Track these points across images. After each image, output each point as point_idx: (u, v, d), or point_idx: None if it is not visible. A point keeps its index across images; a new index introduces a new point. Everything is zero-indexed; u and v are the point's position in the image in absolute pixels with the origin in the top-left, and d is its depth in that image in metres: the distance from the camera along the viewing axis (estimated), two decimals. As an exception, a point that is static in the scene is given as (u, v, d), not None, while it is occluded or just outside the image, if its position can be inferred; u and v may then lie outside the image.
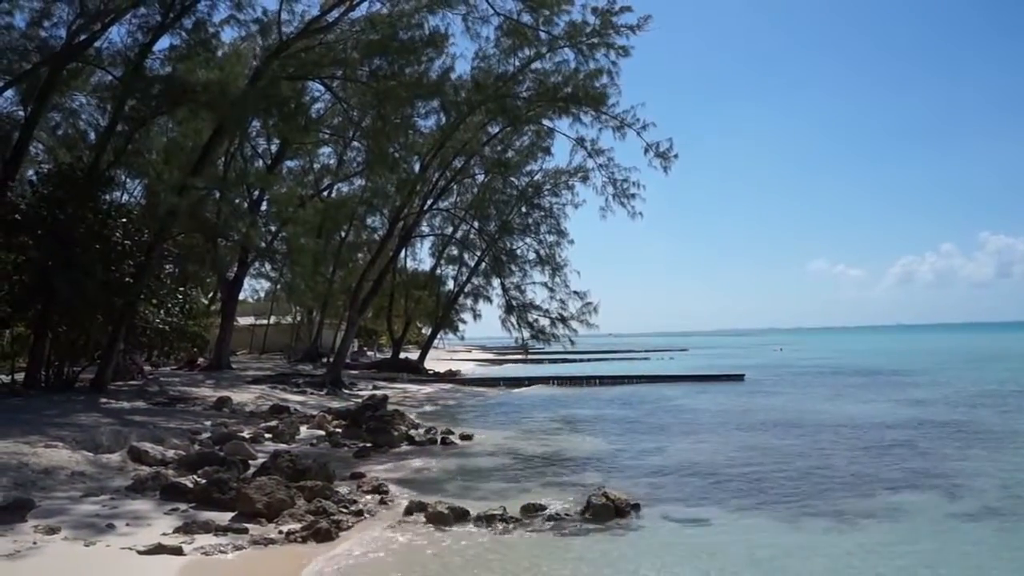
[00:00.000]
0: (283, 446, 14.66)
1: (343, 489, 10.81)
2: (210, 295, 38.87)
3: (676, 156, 27.13)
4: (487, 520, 9.41)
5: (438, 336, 47.59)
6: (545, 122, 31.33)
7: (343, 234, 37.59)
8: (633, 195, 29.41)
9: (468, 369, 47.41)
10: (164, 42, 21.02)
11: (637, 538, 9.02)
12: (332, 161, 36.56)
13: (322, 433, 17.26)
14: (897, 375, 39.27)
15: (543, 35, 25.69)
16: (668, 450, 15.80)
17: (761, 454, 15.09)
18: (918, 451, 15.13)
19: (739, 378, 37.52)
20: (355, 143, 31.69)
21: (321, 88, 26.60)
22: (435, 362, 47.21)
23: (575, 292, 35.67)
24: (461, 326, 44.66)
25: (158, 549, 7.57)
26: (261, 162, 32.81)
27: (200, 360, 31.93)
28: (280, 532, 8.49)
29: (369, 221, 38.54)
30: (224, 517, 8.88)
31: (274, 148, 32.37)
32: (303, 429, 17.57)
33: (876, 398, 26.75)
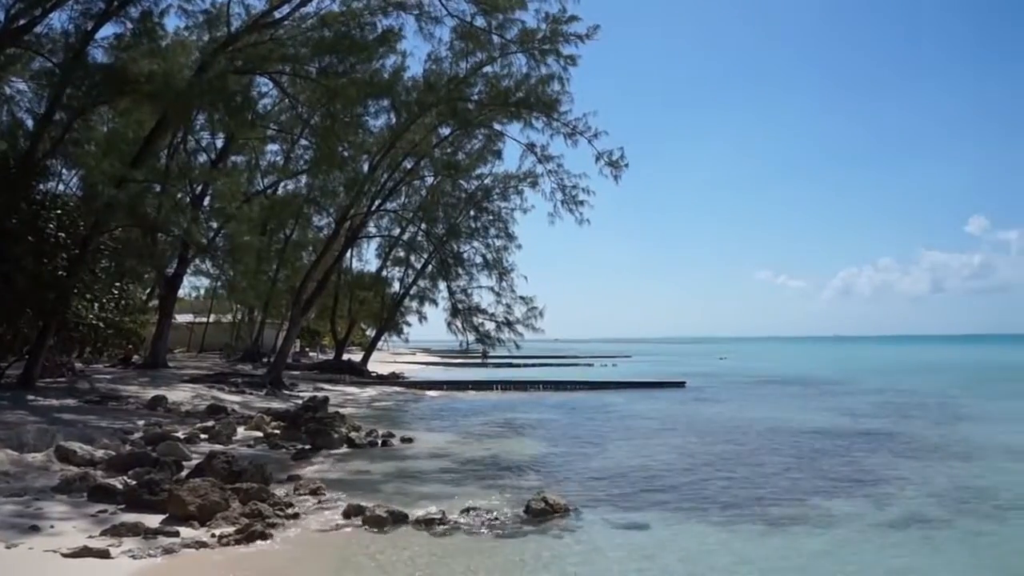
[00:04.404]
0: (219, 447, 14.34)
1: (280, 491, 10.65)
2: (148, 291, 37.86)
3: (627, 165, 27.42)
4: (425, 523, 9.39)
5: (382, 338, 47.23)
6: (496, 126, 31.41)
7: (288, 232, 37.06)
8: (582, 202, 29.64)
9: (412, 372, 47.15)
10: (108, 30, 20.49)
11: (574, 540, 9.09)
12: (279, 158, 36.00)
13: (260, 434, 16.97)
14: (834, 384, 40.38)
15: (496, 39, 25.78)
16: (608, 455, 15.97)
17: (698, 460, 15.36)
18: (850, 459, 15.56)
19: (680, 385, 38.12)
20: (303, 140, 31.25)
21: (269, 83, 26.22)
22: (379, 364, 46.83)
23: (521, 297, 35.78)
24: (406, 328, 44.58)
25: (84, 552, 7.35)
26: (205, 156, 32.15)
27: (135, 358, 31.10)
28: (213, 535, 8.32)
29: (315, 220, 38.06)
30: (155, 519, 8.67)
31: (219, 143, 31.76)
32: (240, 430, 17.23)
33: (812, 407, 27.44)
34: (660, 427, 21.29)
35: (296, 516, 9.50)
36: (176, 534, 8.21)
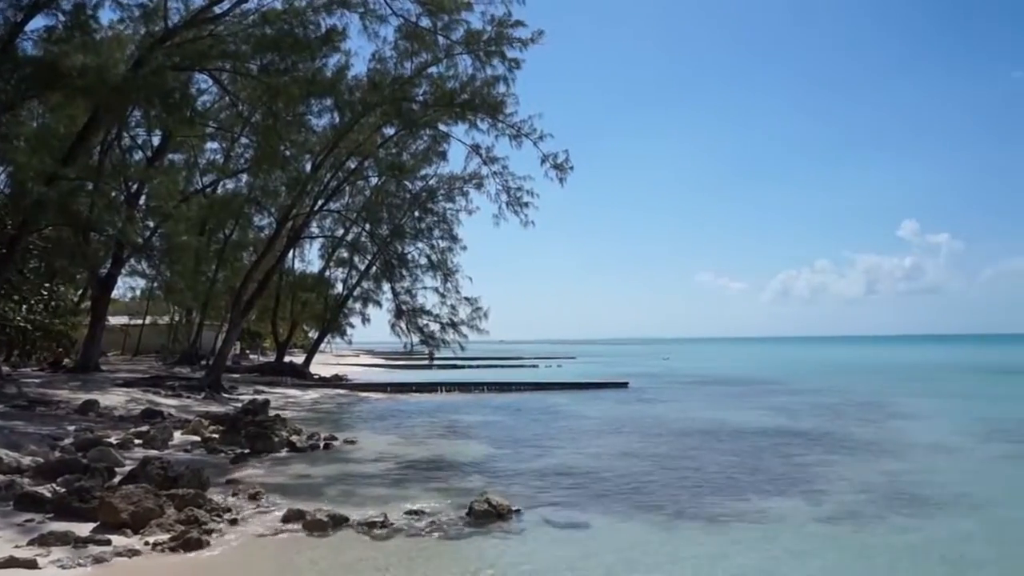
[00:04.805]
0: (154, 452, 13.97)
1: (218, 497, 10.43)
2: (79, 292, 36.68)
3: (572, 168, 27.57)
4: (367, 526, 9.32)
5: (325, 340, 46.64)
6: (441, 127, 31.27)
7: (228, 232, 36.32)
8: (527, 203, 29.72)
9: (355, 374, 46.69)
10: (38, 22, 19.78)
11: (517, 541, 9.14)
12: (219, 156, 35.24)
13: (197, 439, 16.58)
14: (772, 384, 41.43)
15: (441, 40, 25.71)
16: (551, 456, 16.07)
17: (640, 460, 15.58)
18: (786, 457, 15.97)
19: (623, 386, 38.62)
20: (244, 139, 30.69)
21: (209, 80, 25.64)
22: (321, 366, 46.24)
23: (466, 298, 35.65)
24: (349, 330, 44.07)
25: (9, 563, 7.09)
26: (141, 154, 31.28)
27: (66, 361, 30.08)
28: (146, 543, 8.12)
29: (256, 220, 37.40)
30: (85, 528, 8.40)
31: (156, 140, 30.92)
32: (177, 435, 16.82)
33: (751, 406, 28.09)
34: (603, 427, 21.52)
35: (234, 522, 9.32)
36: (108, 542, 7.98)
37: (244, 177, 34.04)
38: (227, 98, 26.06)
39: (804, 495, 11.97)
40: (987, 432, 20.04)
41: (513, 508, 10.29)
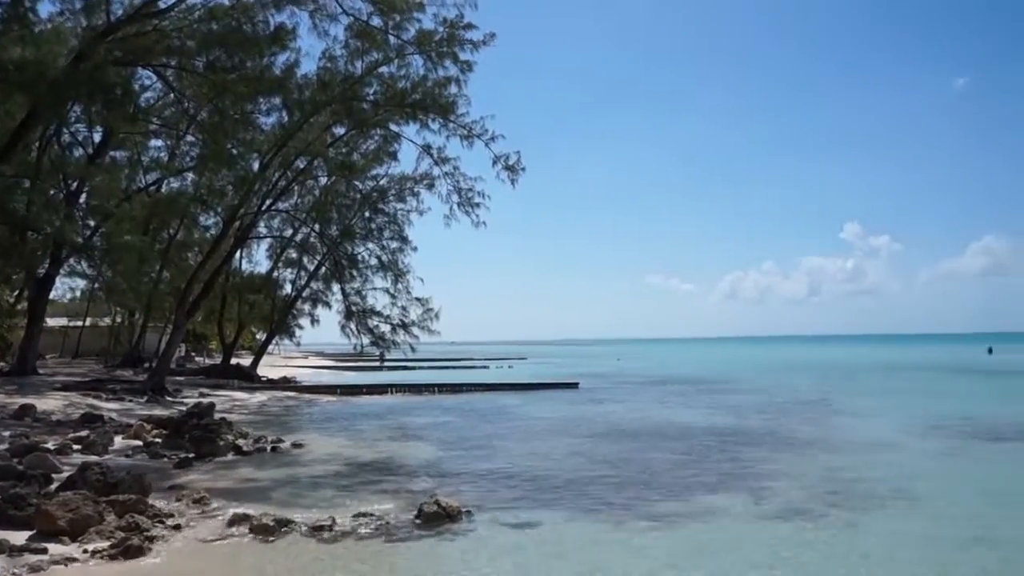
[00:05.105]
0: (94, 458, 13.58)
1: (160, 502, 10.21)
2: (16, 293, 35.51)
3: (523, 169, 27.70)
4: (314, 529, 9.22)
5: (273, 342, 45.96)
6: (392, 127, 31.10)
7: (173, 232, 35.55)
8: (478, 204, 29.73)
9: (304, 376, 46.11)
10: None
11: (467, 543, 9.13)
12: (163, 154, 34.46)
13: (140, 443, 16.20)
14: (720, 383, 42.18)
15: (392, 39, 25.58)
16: (501, 457, 16.10)
17: (590, 460, 15.71)
18: (733, 455, 16.26)
19: (574, 386, 38.84)
20: (189, 137, 30.08)
21: (153, 76, 25.08)
22: (269, 369, 45.54)
23: (417, 298, 35.51)
24: (298, 332, 43.56)
25: (-62, 573, 6.84)
26: (82, 151, 30.42)
27: (0, 364, 29.09)
28: (85, 551, 7.90)
29: (202, 219, 36.63)
30: (20, 536, 8.14)
31: (97, 137, 30.13)
32: (118, 439, 16.42)
33: (699, 405, 28.56)
34: (553, 428, 21.64)
35: (178, 527, 9.13)
36: (44, 551, 7.75)
37: (190, 176, 33.37)
38: (172, 95, 25.56)
39: (750, 492, 12.20)
40: (924, 429, 20.68)
41: (463, 509, 10.28)
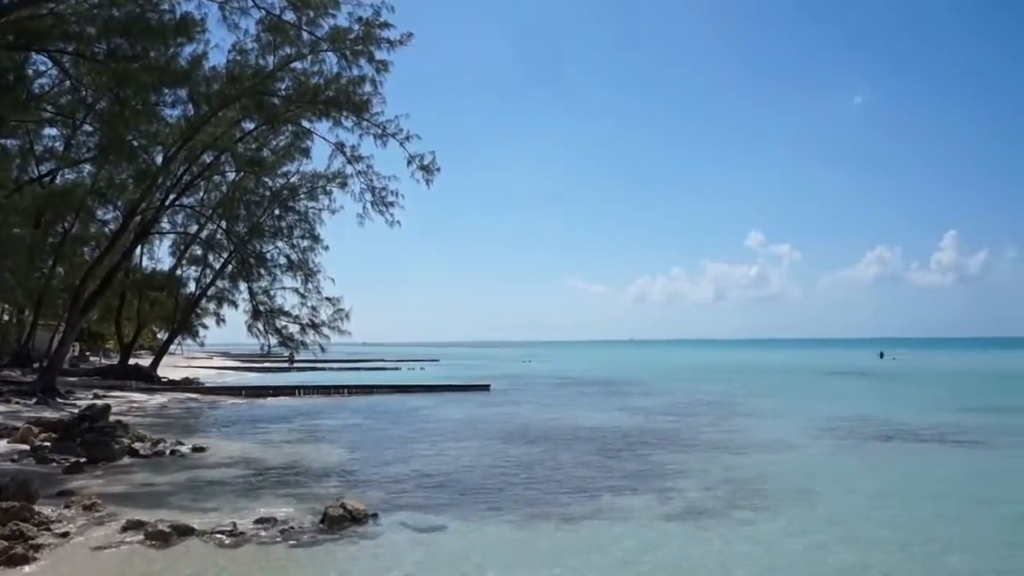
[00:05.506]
0: (-25, 463, 12.88)
1: (48, 509, 9.73)
2: None
3: (439, 169, 27.67)
4: (214, 535, 8.97)
5: (175, 342, 44.34)
6: (304, 123, 30.55)
7: (67, 226, 33.85)
8: (391, 203, 29.52)
9: (209, 377, 44.68)
10: None
11: (372, 546, 9.06)
12: (58, 144, 32.78)
13: (27, 447, 15.38)
14: (629, 385, 43.14)
15: (306, 35, 25.11)
16: (410, 459, 16.02)
17: (498, 461, 15.81)
18: (640, 456, 16.66)
19: (485, 388, 38.98)
20: (87, 126, 28.70)
21: (49, 62, 23.83)
22: (171, 369, 43.96)
23: (328, 298, 34.93)
24: (202, 331, 42.28)
25: None
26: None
27: None
28: (-38, 560, 7.47)
29: (100, 213, 35.02)
30: None
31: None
32: (3, 443, 15.60)
33: (608, 406, 29.11)
34: (463, 430, 21.66)
35: (66, 535, 8.75)
36: (-84, 562, 7.30)
37: (87, 167, 31.85)
38: (68, 82, 24.35)
39: (655, 492, 12.52)
40: (821, 429, 21.68)
41: (369, 513, 10.20)
